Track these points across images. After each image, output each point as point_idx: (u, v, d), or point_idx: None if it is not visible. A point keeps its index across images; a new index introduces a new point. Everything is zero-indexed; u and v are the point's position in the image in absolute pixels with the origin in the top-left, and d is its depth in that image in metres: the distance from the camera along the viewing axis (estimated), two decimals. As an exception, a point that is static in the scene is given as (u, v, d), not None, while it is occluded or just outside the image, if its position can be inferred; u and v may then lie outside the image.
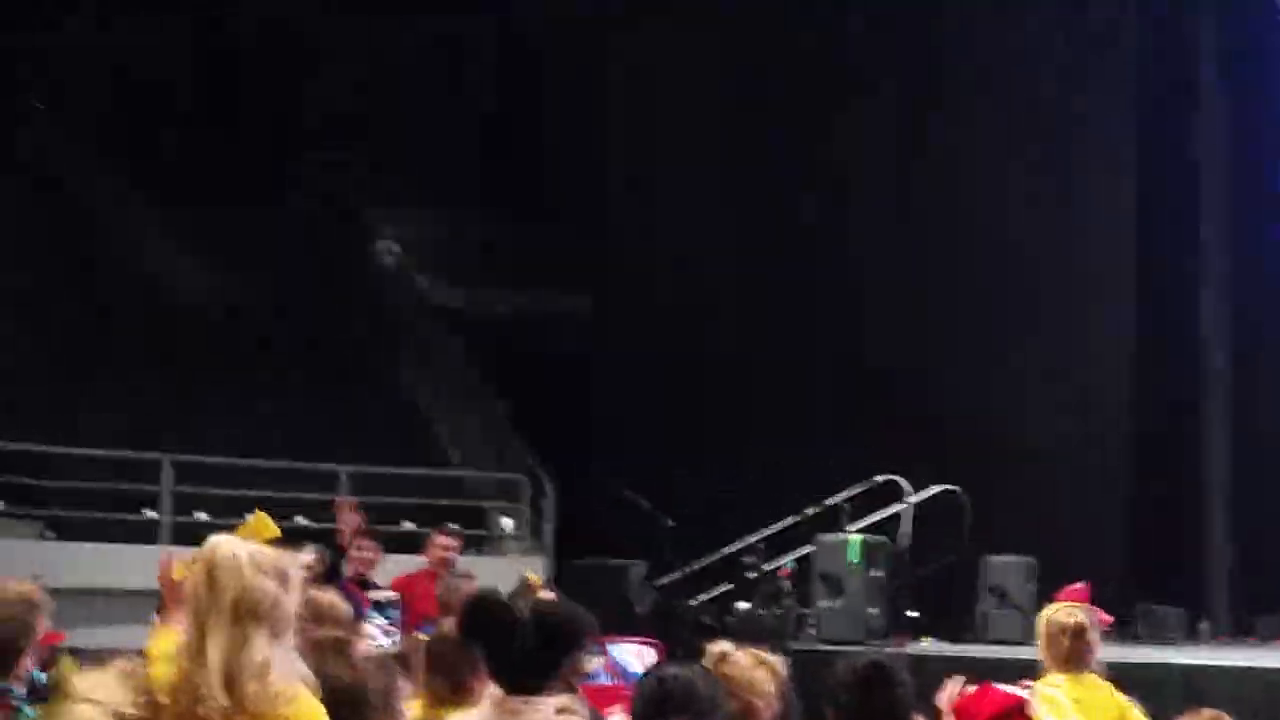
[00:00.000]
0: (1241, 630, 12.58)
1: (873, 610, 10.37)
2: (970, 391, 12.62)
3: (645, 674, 3.91)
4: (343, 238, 15.04)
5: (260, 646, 3.18)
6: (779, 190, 13.57)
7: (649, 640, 9.16)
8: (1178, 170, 13.35)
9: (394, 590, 8.34)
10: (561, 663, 3.97)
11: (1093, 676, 5.24)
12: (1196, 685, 9.03)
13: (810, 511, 11.74)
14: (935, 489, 11.97)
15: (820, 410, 13.07)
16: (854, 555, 10.50)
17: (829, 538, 10.93)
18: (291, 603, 3.29)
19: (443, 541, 8.96)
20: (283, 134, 14.47)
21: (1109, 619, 5.49)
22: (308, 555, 4.00)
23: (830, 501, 11.84)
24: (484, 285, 15.01)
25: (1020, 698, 4.89)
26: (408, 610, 8.00)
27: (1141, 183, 13.31)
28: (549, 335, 14.18)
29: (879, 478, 11.87)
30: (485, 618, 4.07)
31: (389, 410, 13.88)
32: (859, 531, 11.16)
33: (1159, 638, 11.67)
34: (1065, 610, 5.39)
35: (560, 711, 3.86)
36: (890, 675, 3.99)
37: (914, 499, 11.70)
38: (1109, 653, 8.05)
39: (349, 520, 8.31)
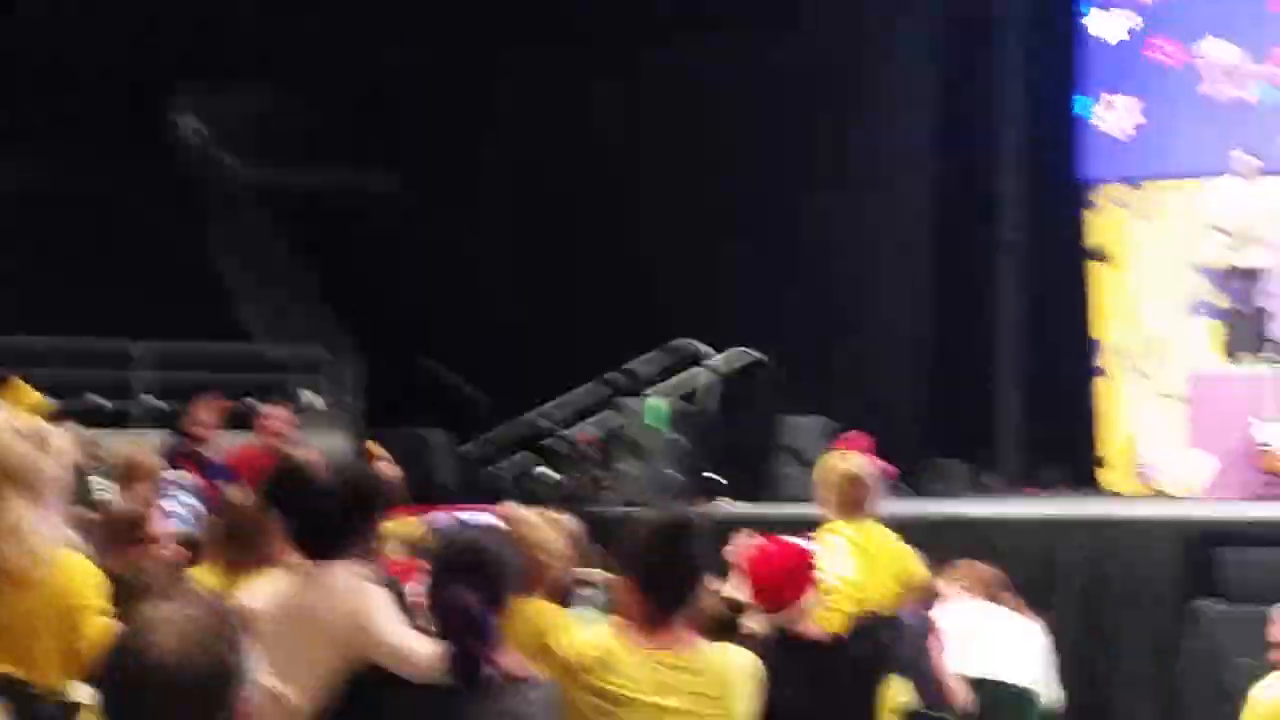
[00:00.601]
0: (1026, 482, 13.14)
1: (673, 473, 10.58)
2: (767, 254, 12.79)
3: (436, 538, 3.94)
4: (143, 115, 14.60)
5: (14, 508, 3.16)
6: (582, 78, 13.43)
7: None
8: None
9: (228, 465, 8.13)
10: (359, 528, 3.99)
11: (872, 522, 5.43)
12: (979, 535, 9.45)
13: (613, 377, 11.89)
14: (735, 352, 12.22)
15: (625, 277, 13.15)
16: (654, 419, 10.67)
17: (630, 402, 11.10)
18: (52, 468, 3.26)
19: (275, 413, 8.68)
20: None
21: (888, 466, 5.68)
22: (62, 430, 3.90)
23: (632, 367, 12.01)
24: (293, 162, 14.72)
25: (807, 551, 5.05)
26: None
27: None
28: (358, 211, 14.00)
29: (680, 342, 12.07)
30: (284, 484, 4.07)
31: (192, 286, 13.64)
32: (660, 396, 11.35)
33: (946, 491, 12.12)
34: (844, 458, 5.54)
35: (354, 576, 3.91)
36: (689, 530, 3.98)
37: (714, 363, 11.92)
38: (897, 506, 8.40)
39: (205, 419, 8.02)
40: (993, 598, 6.56)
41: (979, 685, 6.09)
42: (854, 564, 5.22)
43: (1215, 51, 13.06)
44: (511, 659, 3.69)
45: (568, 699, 3.86)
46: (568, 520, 5.05)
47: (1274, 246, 11.76)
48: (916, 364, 13.54)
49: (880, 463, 5.63)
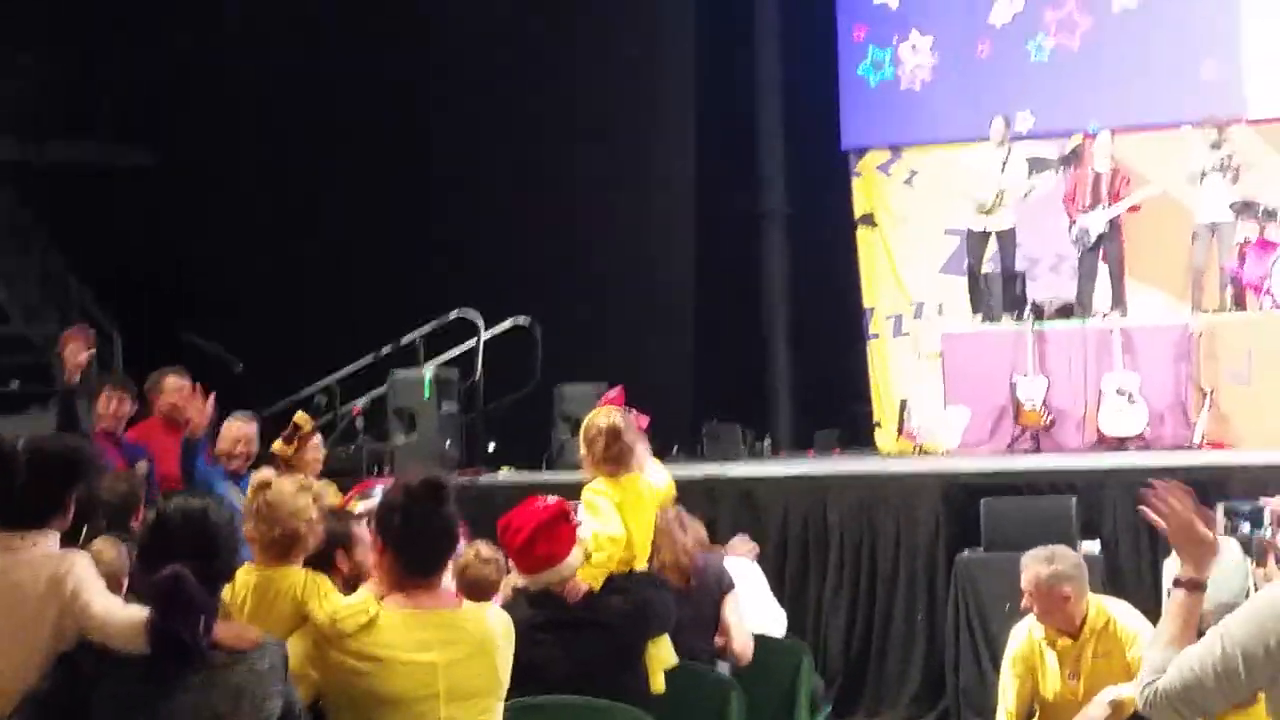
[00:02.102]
0: (801, 445, 13.42)
1: (448, 443, 10.53)
2: (538, 223, 12.78)
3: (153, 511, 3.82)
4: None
5: None
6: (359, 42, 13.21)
7: None
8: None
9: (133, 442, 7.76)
10: (61, 498, 3.90)
11: (634, 478, 5.44)
12: (751, 495, 9.63)
13: (386, 350, 11.77)
14: (509, 322, 12.19)
15: (397, 249, 13.03)
16: (428, 390, 10.60)
17: (403, 374, 11.00)
18: None
19: (176, 384, 7.94)
20: None
21: (642, 417, 5.68)
22: None
23: (406, 339, 11.90)
24: (47, 137, 14.20)
25: (562, 501, 5.06)
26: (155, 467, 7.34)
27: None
28: (116, 187, 13.58)
29: (453, 313, 12.00)
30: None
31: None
32: (432, 366, 11.26)
33: (722, 455, 12.29)
34: (602, 414, 5.55)
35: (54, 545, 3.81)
36: (443, 493, 4.00)
37: (487, 333, 11.89)
38: (675, 470, 8.47)
39: (76, 352, 7.51)
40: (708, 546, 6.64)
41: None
42: (616, 521, 5.22)
43: (994, 15, 13.42)
44: (230, 629, 3.63)
45: (329, 665, 3.83)
46: (321, 487, 5.00)
47: (1024, 209, 12.19)
48: (693, 332, 13.69)
49: (639, 417, 5.63)
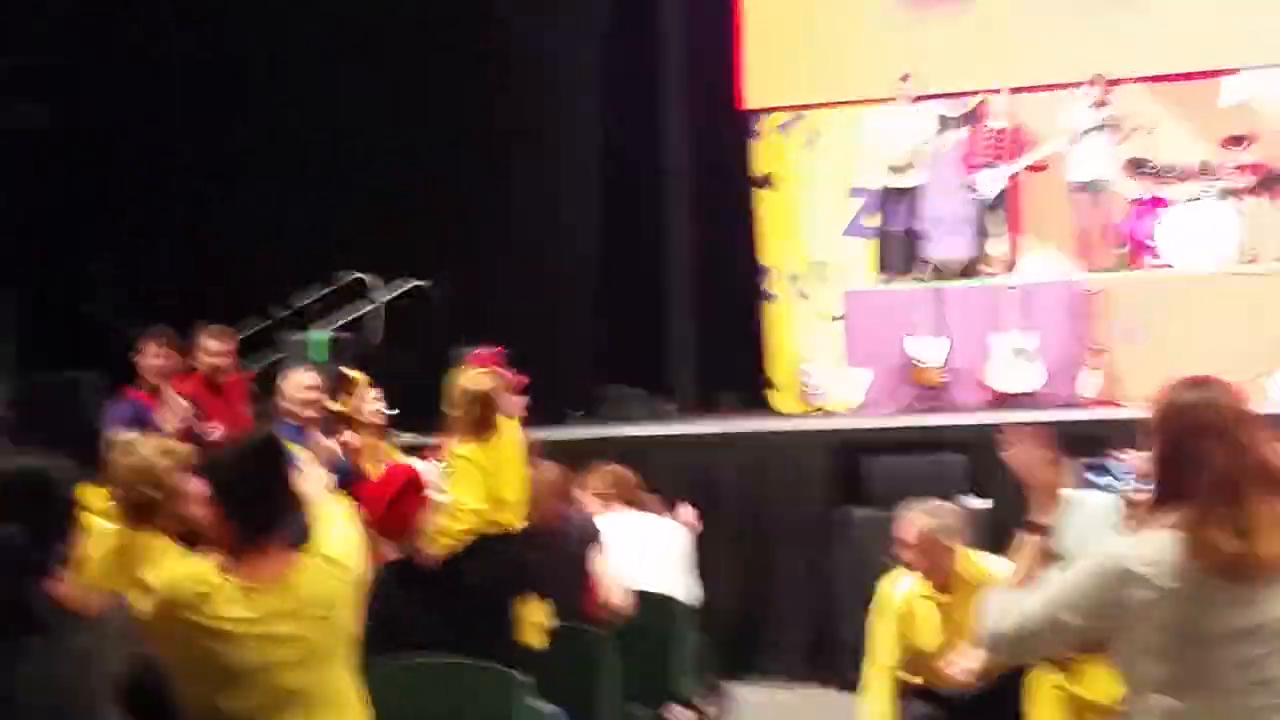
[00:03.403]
0: (701, 407, 13.41)
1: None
2: (440, 186, 12.66)
3: None
4: None
5: None
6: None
7: None
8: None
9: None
10: None
11: (504, 440, 5.41)
12: (646, 455, 9.61)
13: (279, 314, 11.61)
14: (405, 284, 12.08)
15: (291, 209, 12.84)
16: (319, 354, 10.46)
17: (294, 337, 10.86)
18: None
19: (213, 346, 8.03)
20: None
21: (517, 377, 5.64)
22: None
23: (299, 303, 11.76)
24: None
25: (415, 474, 4.99)
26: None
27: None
28: (4, 146, 13.27)
29: (345, 275, 11.87)
30: None
31: None
32: (323, 329, 11.13)
33: (624, 417, 12.28)
34: (473, 376, 5.49)
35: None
36: (276, 452, 3.88)
37: (384, 296, 11.78)
38: (573, 432, 8.45)
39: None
40: (630, 500, 6.62)
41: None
42: (475, 484, 5.17)
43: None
44: (70, 592, 3.53)
45: (170, 633, 3.72)
46: (185, 450, 4.90)
47: (925, 169, 12.24)
48: (592, 294, 13.63)
49: (509, 375, 5.58)
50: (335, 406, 6.85)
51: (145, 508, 4.27)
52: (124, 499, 4.28)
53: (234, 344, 8.39)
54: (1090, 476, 7.88)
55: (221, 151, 12.75)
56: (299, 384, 7.10)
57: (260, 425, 7.05)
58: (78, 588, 3.72)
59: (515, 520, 5.37)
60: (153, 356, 7.96)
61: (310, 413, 7.03)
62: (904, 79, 12.15)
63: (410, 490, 4.90)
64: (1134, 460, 3.60)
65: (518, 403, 6.97)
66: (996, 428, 3.83)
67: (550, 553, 5.62)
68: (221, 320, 11.62)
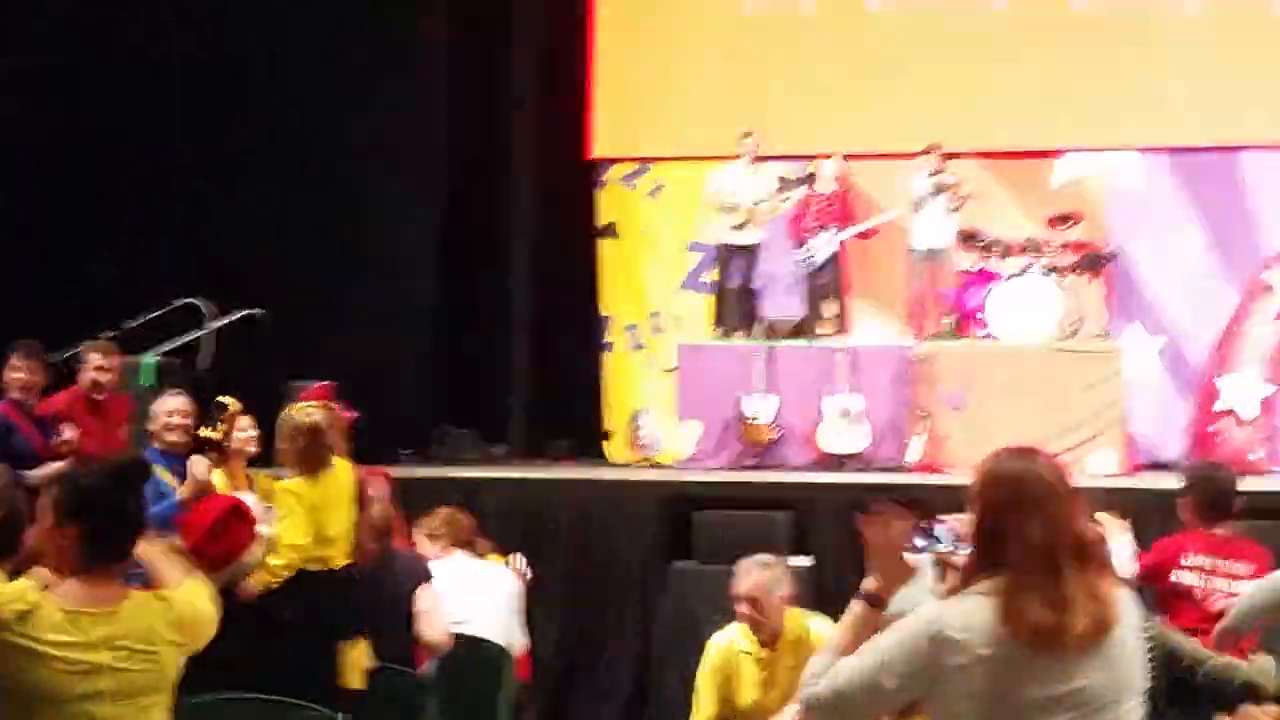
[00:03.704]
0: (533, 452, 13.40)
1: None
2: (274, 216, 12.52)
3: None
4: None
5: None
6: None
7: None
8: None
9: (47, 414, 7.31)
10: None
11: (333, 474, 5.37)
12: (474, 495, 9.60)
13: (106, 336, 11.33)
14: (241, 313, 11.90)
15: (127, 232, 12.60)
16: (147, 378, 10.26)
17: (122, 360, 10.62)
18: None
19: (96, 360, 7.82)
20: None
21: (349, 412, 5.61)
22: None
23: (130, 325, 11.49)
24: None
25: (235, 498, 4.95)
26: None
27: None
28: None
29: (179, 300, 11.65)
30: None
31: None
32: (158, 355, 10.91)
33: (455, 459, 12.23)
34: (302, 410, 5.45)
35: None
36: (135, 479, 3.86)
37: (216, 323, 11.58)
38: (403, 471, 8.40)
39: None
40: (464, 544, 6.61)
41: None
42: (299, 519, 5.12)
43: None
44: None
45: None
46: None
47: (766, 227, 12.43)
48: (432, 334, 13.57)
49: (342, 411, 5.55)
50: (205, 433, 6.72)
51: None
52: None
53: (117, 360, 8.13)
54: (916, 540, 8.06)
55: (58, 172, 12.45)
56: (168, 408, 6.98)
57: (131, 449, 6.93)
58: None
59: (339, 558, 5.32)
60: (13, 370, 7.72)
61: (175, 437, 6.94)
62: (745, 136, 12.33)
63: (232, 520, 4.83)
64: (955, 524, 3.67)
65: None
66: (867, 492, 3.90)
67: (374, 591, 5.58)
68: (46, 340, 11.43)
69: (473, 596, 6.38)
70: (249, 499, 5.00)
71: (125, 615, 3.72)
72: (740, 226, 12.29)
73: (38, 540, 3.81)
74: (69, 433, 7.37)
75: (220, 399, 6.86)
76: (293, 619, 5.00)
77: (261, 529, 4.91)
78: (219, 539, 4.79)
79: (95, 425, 7.63)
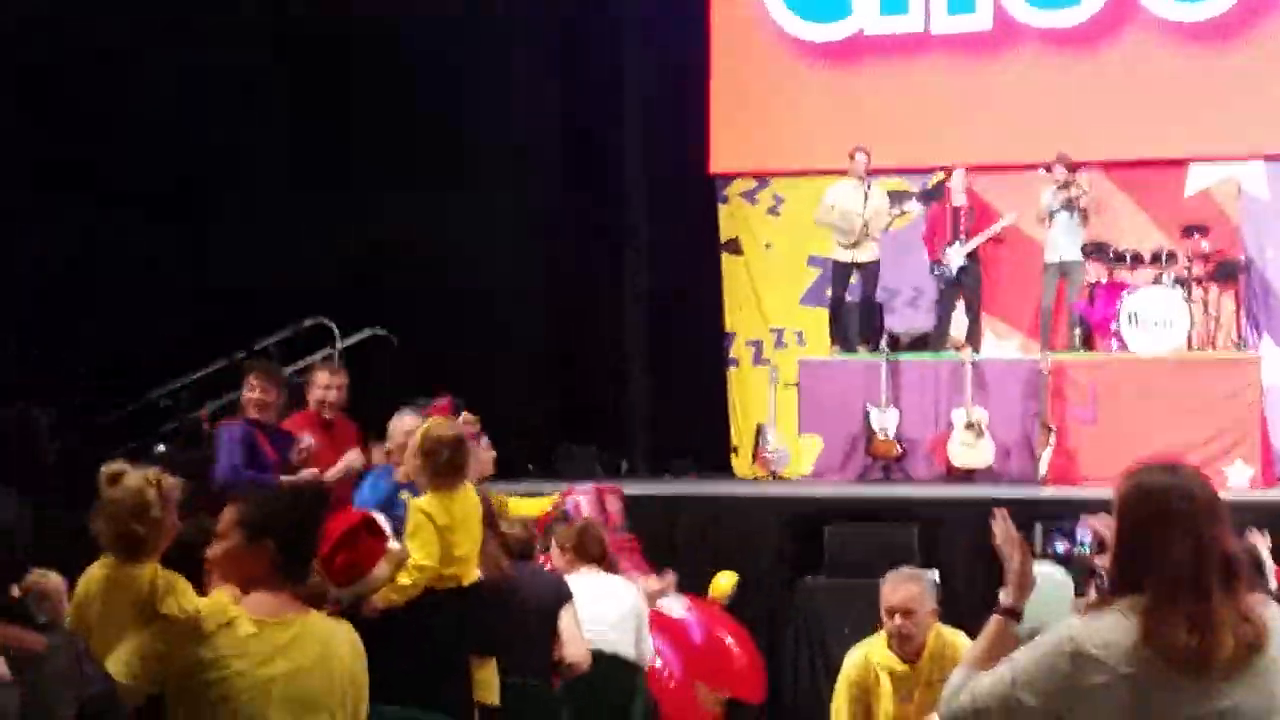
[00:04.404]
0: (657, 470, 13.40)
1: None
2: (401, 235, 12.64)
3: None
4: None
5: None
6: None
7: None
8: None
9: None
10: None
11: (468, 491, 5.41)
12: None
13: (240, 356, 11.56)
14: (366, 332, 12.09)
15: (256, 253, 12.78)
16: (278, 396, 10.43)
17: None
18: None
19: (324, 380, 7.89)
20: None
21: (473, 428, 5.62)
22: None
23: (260, 345, 11.73)
24: None
25: (369, 522, 4.98)
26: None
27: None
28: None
29: (308, 320, 11.87)
30: None
31: None
32: (290, 373, 11.09)
33: (577, 475, 12.25)
34: (440, 424, 5.49)
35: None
36: (323, 501, 3.98)
37: (343, 342, 11.78)
38: (527, 488, 8.48)
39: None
40: (595, 559, 6.61)
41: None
42: (434, 545, 5.14)
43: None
44: (8, 633, 3.52)
45: (179, 663, 3.68)
46: (173, 482, 4.86)
47: (878, 243, 12.34)
48: (548, 353, 13.63)
49: (468, 426, 5.58)
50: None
51: (130, 542, 4.27)
52: (109, 533, 4.29)
53: (344, 379, 8.15)
54: (1056, 543, 7.99)
55: (184, 189, 12.65)
56: (405, 427, 6.73)
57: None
58: (13, 629, 3.69)
59: (468, 575, 5.34)
60: (249, 389, 7.76)
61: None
62: (856, 152, 12.23)
63: (358, 535, 4.87)
64: (1098, 525, 3.59)
65: (488, 457, 6.96)
66: (992, 506, 3.84)
67: (505, 609, 5.59)
68: (179, 360, 11.66)
69: (603, 611, 6.38)
70: (380, 515, 5.05)
71: (307, 630, 3.79)
72: (854, 245, 12.21)
73: (221, 557, 3.88)
74: (306, 440, 7.45)
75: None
76: (421, 635, 5.04)
77: (393, 545, 4.95)
78: (345, 553, 4.83)
79: (327, 442, 7.66)
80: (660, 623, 7.33)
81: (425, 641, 5.05)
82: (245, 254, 11.91)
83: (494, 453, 7.46)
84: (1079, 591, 6.11)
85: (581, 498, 8.24)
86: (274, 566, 3.77)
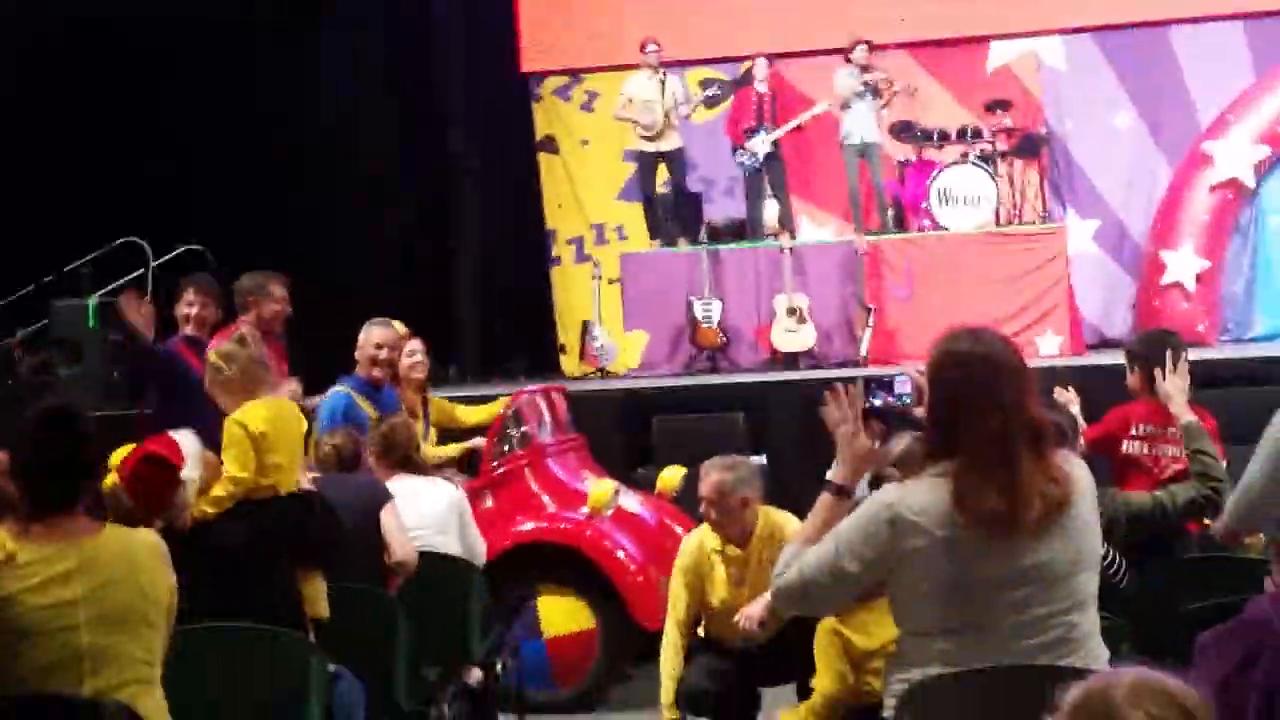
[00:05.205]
0: (488, 372, 13.39)
1: (114, 374, 10.15)
2: (221, 153, 12.38)
3: None
4: None
5: None
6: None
7: None
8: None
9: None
10: None
11: (281, 400, 5.42)
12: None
13: (47, 279, 11.25)
14: (181, 249, 11.81)
15: (63, 174, 12.42)
16: (92, 319, 10.21)
17: (64, 303, 10.56)
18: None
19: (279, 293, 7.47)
20: None
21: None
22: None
23: (70, 268, 11.40)
24: None
25: (170, 445, 4.91)
26: None
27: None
28: None
29: (121, 241, 11.55)
30: None
31: None
32: (101, 295, 10.82)
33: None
34: (239, 337, 5.48)
35: None
36: (75, 423, 3.92)
37: (157, 261, 11.49)
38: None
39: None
40: (406, 463, 6.60)
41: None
42: (247, 447, 5.10)
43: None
44: None
45: None
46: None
47: (698, 133, 12.39)
48: (380, 259, 13.51)
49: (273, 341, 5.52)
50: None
51: None
52: None
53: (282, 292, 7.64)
54: (873, 398, 8.19)
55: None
56: (375, 340, 7.17)
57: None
58: None
59: (286, 485, 5.29)
60: (186, 305, 7.45)
61: (380, 372, 7.15)
62: (646, 44, 12.21)
63: (156, 460, 4.80)
64: (915, 376, 3.65)
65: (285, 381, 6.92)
66: (817, 389, 3.88)
67: (325, 514, 5.51)
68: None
69: (423, 513, 6.37)
70: (185, 439, 4.97)
71: (100, 547, 3.80)
72: (657, 135, 12.22)
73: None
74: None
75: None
76: (234, 546, 5.00)
77: (188, 474, 4.88)
78: (130, 484, 4.76)
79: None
80: (622, 517, 7.70)
81: (240, 550, 5.01)
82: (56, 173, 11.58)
83: (423, 358, 7.81)
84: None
85: (529, 400, 8.29)
86: (37, 497, 3.80)
